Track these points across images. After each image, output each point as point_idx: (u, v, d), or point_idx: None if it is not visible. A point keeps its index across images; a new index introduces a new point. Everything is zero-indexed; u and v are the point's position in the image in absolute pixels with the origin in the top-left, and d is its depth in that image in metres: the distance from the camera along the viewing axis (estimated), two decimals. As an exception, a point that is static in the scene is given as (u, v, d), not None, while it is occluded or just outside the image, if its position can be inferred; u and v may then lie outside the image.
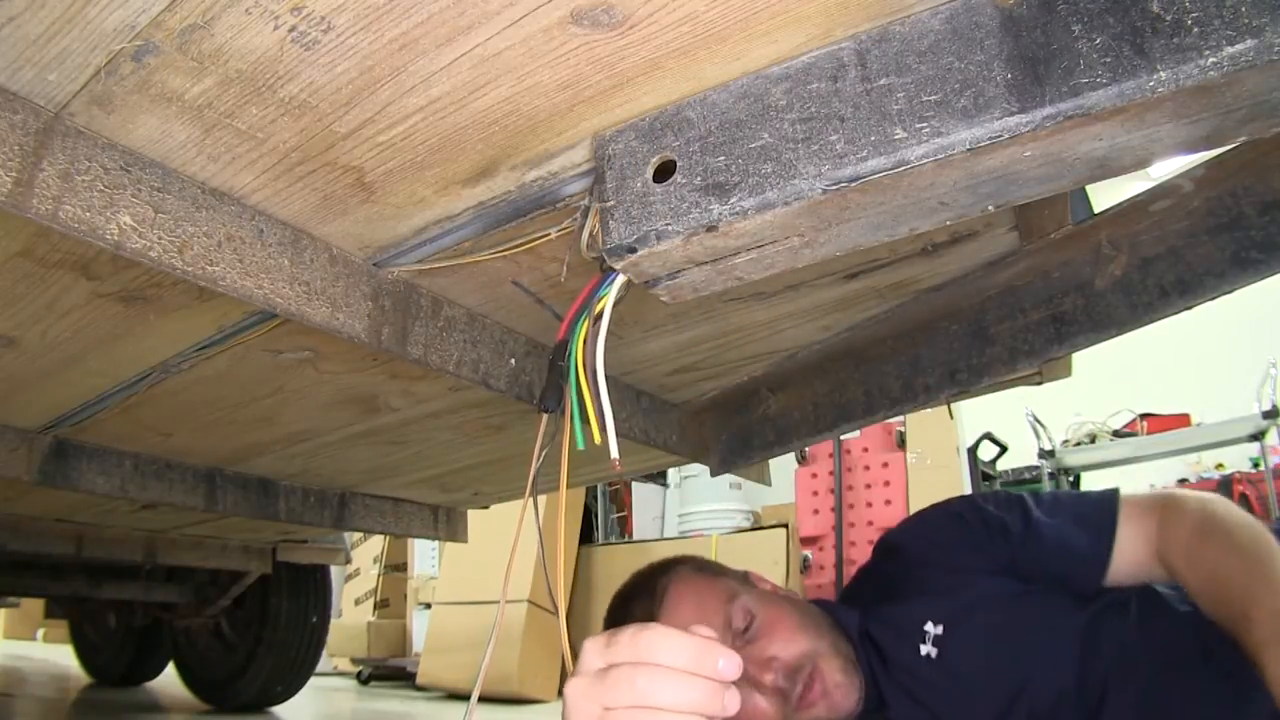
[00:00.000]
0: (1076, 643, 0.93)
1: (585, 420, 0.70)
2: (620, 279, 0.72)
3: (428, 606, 4.49)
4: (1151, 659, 0.89)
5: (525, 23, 0.58)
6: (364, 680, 4.85)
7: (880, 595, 1.10)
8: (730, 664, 0.51)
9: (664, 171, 0.66)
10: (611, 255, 0.67)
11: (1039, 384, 1.39)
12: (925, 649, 0.99)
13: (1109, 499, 0.99)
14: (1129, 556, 0.94)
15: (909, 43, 0.58)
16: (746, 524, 4.50)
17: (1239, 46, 0.48)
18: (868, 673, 1.03)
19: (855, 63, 0.60)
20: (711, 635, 0.53)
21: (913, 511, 1.35)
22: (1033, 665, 0.94)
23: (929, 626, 1.00)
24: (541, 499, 1.12)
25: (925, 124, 0.56)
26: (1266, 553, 0.81)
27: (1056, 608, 0.97)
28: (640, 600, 1.07)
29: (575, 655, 0.59)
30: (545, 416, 0.75)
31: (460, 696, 3.84)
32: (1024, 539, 0.99)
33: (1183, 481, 5.35)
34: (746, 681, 0.92)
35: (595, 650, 0.55)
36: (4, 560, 2.53)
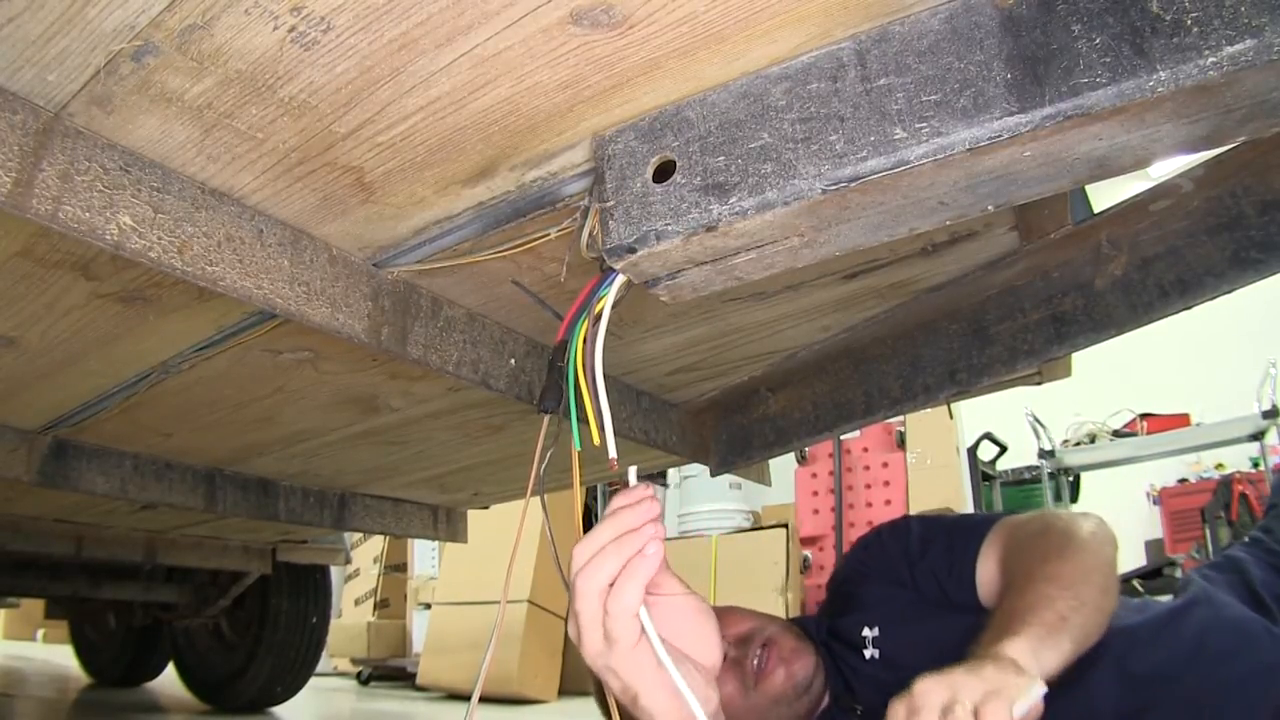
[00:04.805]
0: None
1: (584, 420, 0.70)
2: (620, 279, 0.72)
3: (428, 607, 4.48)
4: None
5: (525, 23, 0.58)
6: (364, 681, 4.85)
7: (832, 614, 1.21)
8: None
9: (664, 171, 0.66)
10: (611, 255, 0.67)
11: (1039, 384, 1.39)
12: (869, 652, 1.08)
13: (987, 521, 1.08)
14: (986, 576, 1.03)
15: (908, 43, 0.58)
16: (746, 524, 4.49)
17: (1238, 46, 0.48)
18: (833, 669, 1.13)
19: (855, 63, 0.60)
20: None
21: (912, 512, 1.39)
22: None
23: (866, 632, 1.11)
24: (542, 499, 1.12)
25: (925, 124, 0.56)
26: (1078, 570, 0.88)
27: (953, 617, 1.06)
28: None
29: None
30: (547, 417, 0.75)
31: (460, 697, 3.83)
32: (916, 559, 1.11)
33: (1183, 481, 5.35)
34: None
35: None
36: (4, 560, 2.52)
